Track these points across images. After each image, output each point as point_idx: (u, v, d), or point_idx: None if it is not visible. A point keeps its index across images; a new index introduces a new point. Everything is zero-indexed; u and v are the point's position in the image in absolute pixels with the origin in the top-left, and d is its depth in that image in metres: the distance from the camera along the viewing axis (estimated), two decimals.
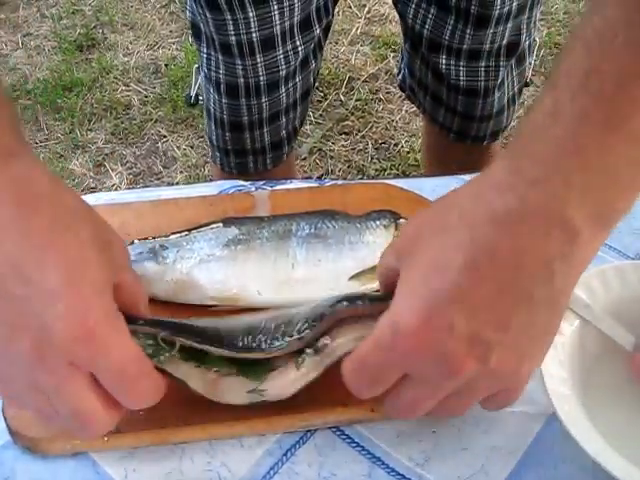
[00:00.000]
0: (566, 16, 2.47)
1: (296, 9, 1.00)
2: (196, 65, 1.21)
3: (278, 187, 0.82)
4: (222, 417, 0.60)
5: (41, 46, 2.39)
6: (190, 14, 1.05)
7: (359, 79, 2.24)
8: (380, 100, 2.20)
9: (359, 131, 2.11)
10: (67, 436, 0.59)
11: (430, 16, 1.06)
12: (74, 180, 1.96)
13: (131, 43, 2.39)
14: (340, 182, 0.84)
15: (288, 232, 0.71)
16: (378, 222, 0.72)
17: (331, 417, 0.61)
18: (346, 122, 2.13)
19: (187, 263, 0.69)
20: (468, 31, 1.04)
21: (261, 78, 1.05)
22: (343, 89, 2.22)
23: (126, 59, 2.33)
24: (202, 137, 2.07)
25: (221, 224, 0.72)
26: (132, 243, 0.71)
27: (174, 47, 2.37)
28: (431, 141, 1.36)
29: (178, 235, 0.71)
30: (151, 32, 2.43)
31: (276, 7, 0.98)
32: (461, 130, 1.20)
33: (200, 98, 1.26)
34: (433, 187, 0.81)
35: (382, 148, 2.07)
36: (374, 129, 2.11)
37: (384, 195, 0.79)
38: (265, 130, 1.13)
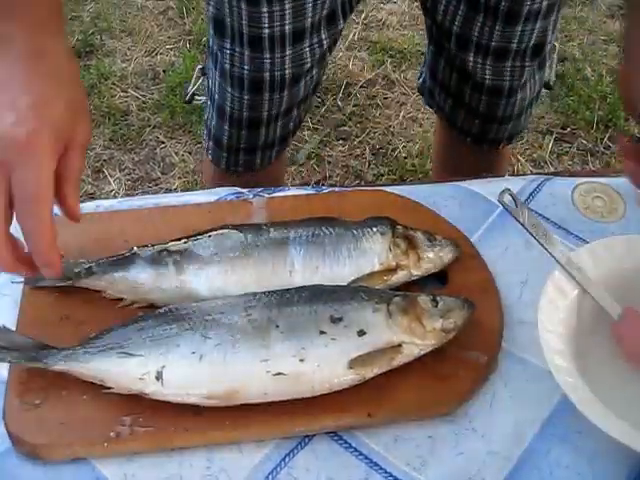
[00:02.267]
0: (562, 21, 2.47)
1: (327, 1, 1.01)
2: (200, 65, 1.19)
3: (275, 194, 0.82)
4: (221, 423, 0.61)
5: None
6: (214, 10, 1.04)
7: (356, 84, 2.25)
8: (377, 106, 2.20)
9: (357, 137, 2.11)
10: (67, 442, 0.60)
11: (460, 12, 1.08)
12: None
13: (129, 49, 2.40)
14: (337, 189, 0.84)
15: (286, 239, 0.71)
16: (375, 229, 0.72)
17: (329, 422, 0.62)
18: (343, 128, 2.13)
19: (186, 270, 0.70)
20: (497, 27, 1.06)
21: (287, 72, 1.05)
22: (340, 95, 2.22)
23: (124, 65, 2.33)
24: (200, 143, 2.07)
25: (219, 231, 0.72)
26: (132, 250, 0.71)
27: (172, 53, 2.38)
28: (445, 146, 1.36)
29: (177, 242, 0.72)
30: (149, 38, 2.43)
31: None
32: (480, 132, 1.21)
33: (196, 97, 1.23)
34: (430, 194, 0.81)
35: (380, 153, 2.07)
36: (372, 135, 2.12)
37: (381, 202, 0.79)
38: (279, 123, 1.13)
